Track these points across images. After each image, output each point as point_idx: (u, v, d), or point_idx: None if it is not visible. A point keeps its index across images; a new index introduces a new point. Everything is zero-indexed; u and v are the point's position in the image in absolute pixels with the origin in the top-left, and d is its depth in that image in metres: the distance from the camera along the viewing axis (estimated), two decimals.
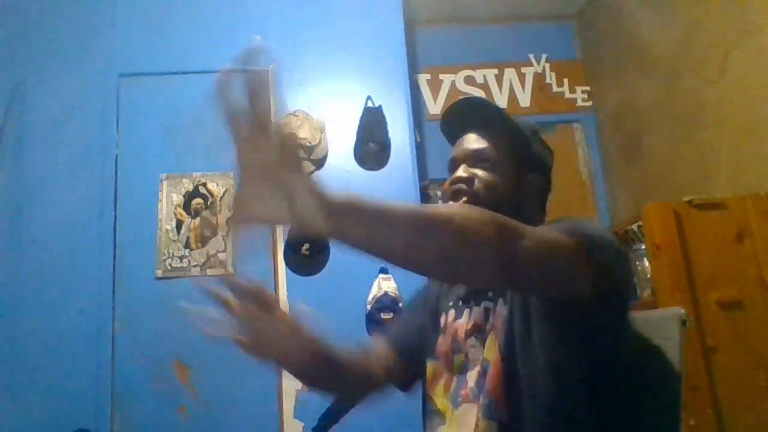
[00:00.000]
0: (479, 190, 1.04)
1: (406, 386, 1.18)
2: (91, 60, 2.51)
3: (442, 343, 1.09)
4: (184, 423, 2.15)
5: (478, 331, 1.02)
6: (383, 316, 2.21)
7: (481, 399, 0.95)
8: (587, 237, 0.87)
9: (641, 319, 1.06)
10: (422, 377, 1.12)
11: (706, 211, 1.97)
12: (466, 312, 1.06)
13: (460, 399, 1.01)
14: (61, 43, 2.52)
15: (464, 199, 1.04)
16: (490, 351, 0.97)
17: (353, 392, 1.12)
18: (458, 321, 1.07)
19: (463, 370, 1.03)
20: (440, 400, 1.05)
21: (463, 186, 1.05)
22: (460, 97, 1.15)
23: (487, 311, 1.02)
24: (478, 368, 0.99)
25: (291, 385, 2.21)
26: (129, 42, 2.54)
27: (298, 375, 1.04)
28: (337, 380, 1.07)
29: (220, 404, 2.18)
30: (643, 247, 2.19)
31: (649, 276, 2.13)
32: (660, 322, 1.04)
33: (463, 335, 1.04)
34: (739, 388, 1.81)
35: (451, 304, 1.11)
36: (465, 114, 1.12)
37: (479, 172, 1.06)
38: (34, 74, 2.46)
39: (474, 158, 1.07)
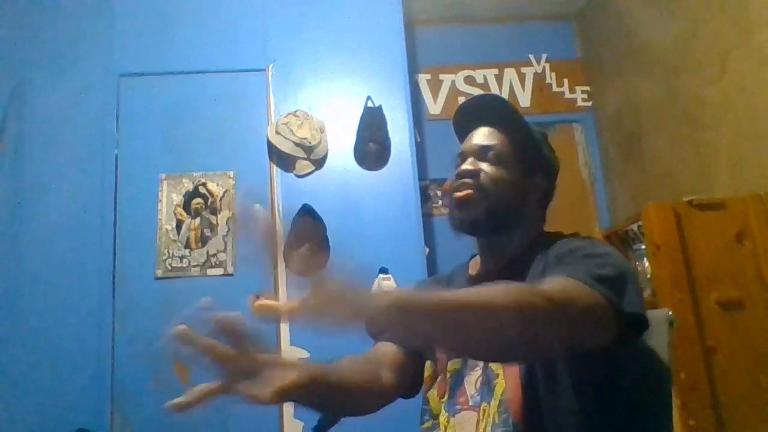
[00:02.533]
0: (484, 183, 1.04)
1: (413, 389, 1.12)
2: (91, 60, 2.51)
3: None
4: (184, 423, 2.14)
5: None
6: None
7: (495, 410, 0.94)
8: (610, 285, 0.85)
9: None
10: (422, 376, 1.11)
11: (706, 211, 1.97)
12: None
13: (458, 406, 1.00)
14: (61, 43, 2.51)
15: (468, 192, 1.04)
16: None
17: (367, 410, 1.08)
18: None
19: (459, 375, 1.02)
20: (434, 403, 1.05)
21: (468, 179, 1.05)
22: (477, 94, 1.14)
23: None
24: (478, 374, 0.99)
25: None
26: (129, 42, 2.54)
27: (306, 407, 0.94)
28: (348, 403, 0.98)
29: (220, 404, 2.17)
30: (643, 247, 2.19)
31: (649, 276, 2.12)
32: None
33: None
34: (739, 388, 1.80)
35: None
36: (479, 110, 1.11)
37: (486, 167, 1.05)
38: (34, 74, 2.46)
39: (483, 152, 1.07)
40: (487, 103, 1.11)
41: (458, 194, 1.05)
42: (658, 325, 1.04)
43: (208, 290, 2.27)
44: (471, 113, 1.12)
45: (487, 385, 0.96)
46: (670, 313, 1.04)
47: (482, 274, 1.09)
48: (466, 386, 1.00)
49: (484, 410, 0.96)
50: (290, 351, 2.24)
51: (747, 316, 1.86)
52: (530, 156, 1.08)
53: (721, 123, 2.25)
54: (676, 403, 1.72)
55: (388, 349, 1.09)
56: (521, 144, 1.08)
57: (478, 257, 1.14)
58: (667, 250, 1.92)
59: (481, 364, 0.99)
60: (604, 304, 0.82)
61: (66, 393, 2.14)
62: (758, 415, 1.77)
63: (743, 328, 1.85)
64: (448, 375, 1.04)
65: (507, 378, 0.94)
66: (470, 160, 1.07)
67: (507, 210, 1.04)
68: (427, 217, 2.83)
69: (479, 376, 0.98)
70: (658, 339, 1.03)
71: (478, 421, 0.95)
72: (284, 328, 2.26)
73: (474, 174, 1.04)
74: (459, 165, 1.09)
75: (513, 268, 1.02)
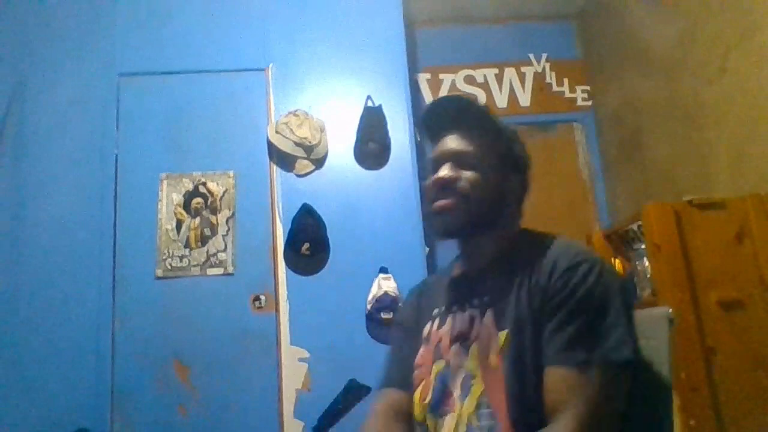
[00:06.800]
0: (465, 189, 1.03)
1: None
2: (91, 60, 2.51)
3: (424, 352, 1.08)
4: (184, 423, 2.15)
5: (463, 338, 1.01)
6: (383, 315, 2.21)
7: (471, 411, 0.94)
8: (618, 340, 0.89)
9: None
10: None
11: (706, 211, 1.97)
12: (449, 319, 1.05)
13: (446, 408, 0.99)
14: (61, 43, 2.52)
15: (449, 201, 1.03)
16: (473, 361, 0.97)
17: None
18: (442, 328, 1.06)
19: (443, 378, 1.02)
20: (417, 409, 1.04)
21: (447, 187, 1.04)
22: (442, 96, 1.13)
23: (472, 319, 1.01)
24: (461, 377, 0.98)
25: (291, 385, 2.21)
26: (129, 42, 2.54)
27: None
28: None
29: (220, 404, 2.18)
30: (643, 246, 2.19)
31: (649, 276, 2.13)
32: (648, 322, 1.03)
33: (447, 342, 1.03)
34: (739, 388, 1.80)
35: (435, 312, 1.10)
36: (448, 112, 1.10)
37: (464, 172, 1.04)
38: (34, 74, 2.46)
39: (459, 158, 1.06)
40: (457, 106, 1.10)
41: (439, 204, 1.05)
42: (658, 324, 1.03)
43: (208, 290, 2.28)
44: (441, 116, 1.11)
45: (469, 389, 0.96)
46: (670, 311, 1.04)
47: (463, 275, 1.09)
48: (451, 390, 1.00)
49: (458, 413, 0.96)
50: (290, 351, 2.24)
51: (747, 316, 1.86)
52: (504, 156, 1.08)
53: (721, 123, 2.25)
54: (676, 403, 1.72)
55: (394, 394, 1.11)
56: (494, 145, 1.07)
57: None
58: (667, 250, 1.92)
59: (464, 365, 0.99)
60: (616, 389, 0.88)
61: (66, 393, 2.14)
62: (758, 415, 1.77)
63: (743, 328, 1.85)
64: (432, 377, 1.03)
65: (491, 386, 0.93)
66: (448, 165, 1.06)
67: (487, 213, 1.04)
68: (427, 217, 2.83)
69: (462, 379, 0.98)
70: (658, 338, 1.02)
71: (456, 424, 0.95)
72: (284, 329, 2.27)
73: (453, 181, 1.04)
74: (434, 170, 1.08)
75: (494, 268, 1.03)
